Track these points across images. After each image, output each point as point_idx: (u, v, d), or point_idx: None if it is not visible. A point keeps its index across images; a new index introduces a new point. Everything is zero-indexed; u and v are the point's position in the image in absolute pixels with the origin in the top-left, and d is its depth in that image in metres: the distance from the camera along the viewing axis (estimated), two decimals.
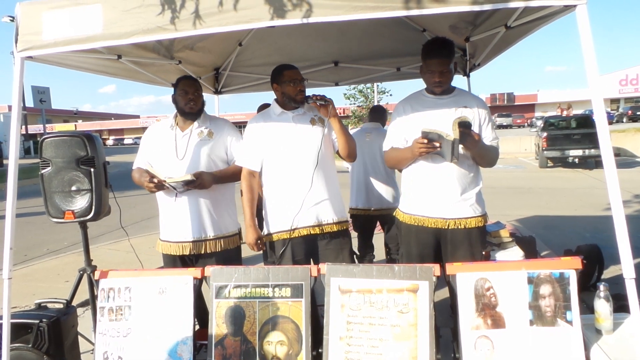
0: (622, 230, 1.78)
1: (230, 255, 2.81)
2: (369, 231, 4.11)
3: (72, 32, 2.00)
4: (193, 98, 2.74)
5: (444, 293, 2.97)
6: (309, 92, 2.61)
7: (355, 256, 2.78)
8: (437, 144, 2.31)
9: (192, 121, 2.79)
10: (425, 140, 2.32)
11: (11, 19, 21.18)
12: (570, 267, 2.00)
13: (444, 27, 3.31)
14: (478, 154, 2.48)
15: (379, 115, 4.22)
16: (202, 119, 2.81)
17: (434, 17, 2.93)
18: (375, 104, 27.74)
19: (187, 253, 2.75)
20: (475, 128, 2.47)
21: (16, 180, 2.14)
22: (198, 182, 2.60)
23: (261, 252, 2.73)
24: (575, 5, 1.77)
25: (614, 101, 38.59)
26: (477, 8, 1.77)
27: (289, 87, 2.57)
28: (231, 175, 2.80)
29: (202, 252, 2.75)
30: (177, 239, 2.76)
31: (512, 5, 1.74)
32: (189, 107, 2.74)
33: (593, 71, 1.75)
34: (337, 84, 4.82)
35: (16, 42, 2.05)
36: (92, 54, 2.70)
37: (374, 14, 1.79)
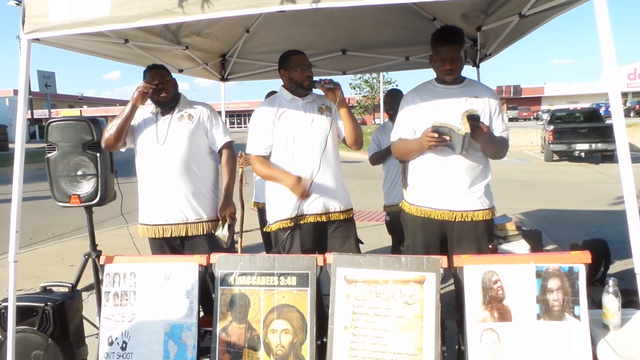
0: (635, 224, 1.75)
1: (214, 238, 2.82)
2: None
3: (79, 15, 1.97)
4: (163, 87, 2.71)
5: (449, 285, 2.96)
6: (317, 79, 2.58)
7: (360, 244, 2.77)
8: (447, 138, 2.28)
9: (171, 107, 2.77)
10: (436, 135, 2.29)
11: (17, 2, 21.10)
12: (579, 262, 1.98)
13: (455, 16, 3.25)
14: (487, 146, 2.45)
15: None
16: (182, 104, 2.80)
17: (446, 4, 2.89)
18: (381, 94, 27.56)
19: (162, 235, 2.75)
20: (485, 119, 2.44)
21: (22, 164, 2.12)
22: (229, 217, 2.75)
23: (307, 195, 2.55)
24: None
25: (622, 95, 38.12)
26: None
27: (296, 73, 2.54)
28: (232, 178, 2.85)
29: (184, 234, 2.75)
30: (160, 221, 2.76)
31: None
32: (163, 97, 2.72)
33: (611, 63, 1.70)
34: (344, 73, 4.78)
35: (23, 24, 2.03)
36: (99, 37, 2.68)
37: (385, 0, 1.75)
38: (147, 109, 2.83)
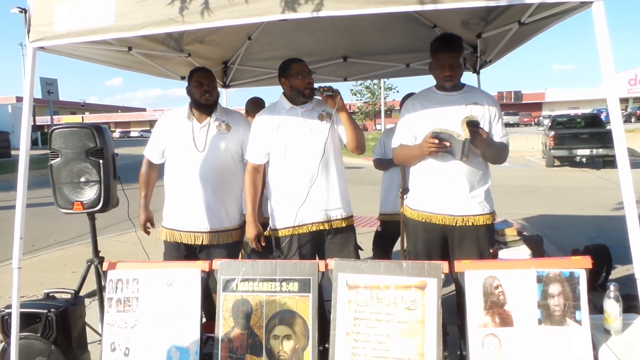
0: (634, 230, 1.76)
1: (234, 247, 2.84)
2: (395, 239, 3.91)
3: (84, 23, 2.00)
4: (208, 90, 2.73)
5: (449, 290, 2.96)
6: (317, 86, 2.60)
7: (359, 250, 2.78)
8: (448, 144, 2.31)
9: (208, 113, 2.78)
10: (436, 140, 2.31)
11: (20, 10, 21.24)
12: (580, 267, 1.98)
13: (456, 23, 3.28)
14: (487, 151, 2.47)
15: None
16: (219, 112, 2.81)
17: (446, 12, 2.92)
18: (382, 100, 27.66)
19: (192, 242, 2.76)
20: (485, 125, 2.46)
21: (27, 171, 2.14)
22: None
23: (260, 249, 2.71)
24: (591, 2, 1.74)
25: (623, 101, 38.19)
26: (493, 3, 1.75)
27: (297, 80, 2.55)
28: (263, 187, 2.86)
29: (209, 243, 2.76)
30: (187, 228, 2.77)
31: (528, 0, 1.72)
32: (205, 99, 2.73)
33: (609, 70, 1.72)
34: (345, 80, 4.81)
35: (28, 32, 2.05)
36: (102, 45, 2.70)
37: (387, 8, 1.77)
38: (180, 114, 2.82)
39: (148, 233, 2.88)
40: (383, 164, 3.87)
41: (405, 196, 2.81)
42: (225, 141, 2.75)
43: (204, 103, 2.74)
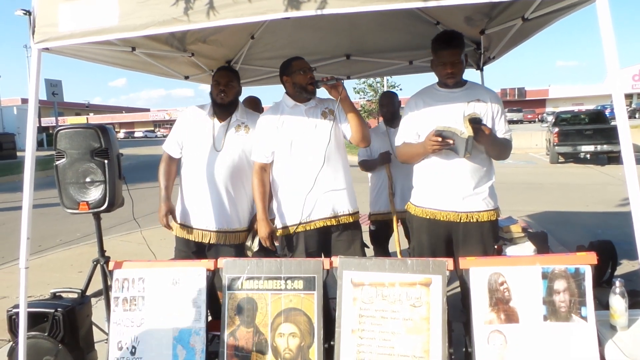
0: None
1: (243, 248, 2.85)
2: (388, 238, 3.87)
3: (88, 24, 2.01)
4: (224, 89, 2.73)
5: (454, 287, 2.97)
6: (318, 78, 2.60)
7: (365, 248, 2.79)
8: (451, 141, 2.31)
9: (228, 113, 2.79)
10: (439, 138, 2.31)
11: (24, 12, 21.36)
12: (585, 263, 1.98)
13: (459, 19, 3.27)
14: (490, 148, 2.47)
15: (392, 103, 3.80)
16: (240, 112, 2.82)
17: (449, 8, 2.91)
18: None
19: (200, 240, 2.77)
20: (488, 121, 2.46)
21: (33, 172, 2.15)
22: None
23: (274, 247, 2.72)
24: None
25: (627, 96, 38.03)
26: None
27: (299, 76, 2.57)
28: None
29: (216, 242, 2.77)
30: (195, 225, 2.78)
31: None
32: (220, 99, 2.74)
33: (614, 66, 1.71)
34: (349, 77, 4.79)
35: (33, 33, 2.07)
36: (106, 45, 2.71)
37: (390, 5, 1.77)
38: (202, 111, 2.83)
39: (170, 228, 2.82)
40: (368, 165, 3.82)
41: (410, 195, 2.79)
42: (243, 143, 2.76)
43: (219, 102, 2.75)
